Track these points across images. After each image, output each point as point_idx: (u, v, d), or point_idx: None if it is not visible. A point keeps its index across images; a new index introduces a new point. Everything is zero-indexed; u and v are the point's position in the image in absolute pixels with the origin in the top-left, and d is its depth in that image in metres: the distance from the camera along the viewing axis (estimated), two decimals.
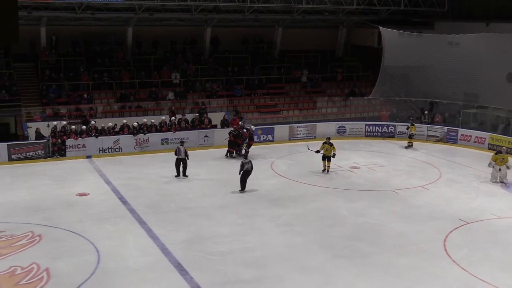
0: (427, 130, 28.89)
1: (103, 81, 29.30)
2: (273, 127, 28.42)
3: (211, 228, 16.26)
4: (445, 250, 14.89)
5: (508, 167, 21.26)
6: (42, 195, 19.22)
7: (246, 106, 30.89)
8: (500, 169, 21.24)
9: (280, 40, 34.35)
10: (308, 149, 22.76)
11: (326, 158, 22.35)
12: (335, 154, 22.36)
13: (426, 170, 23.31)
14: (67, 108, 27.01)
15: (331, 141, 22.64)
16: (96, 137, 24.78)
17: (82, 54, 30.20)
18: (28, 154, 23.67)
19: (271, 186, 20.65)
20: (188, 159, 21.69)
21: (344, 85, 34.24)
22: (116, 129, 25.54)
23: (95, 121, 25.67)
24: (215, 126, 27.49)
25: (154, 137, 25.58)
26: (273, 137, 28.08)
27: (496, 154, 21.74)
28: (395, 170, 23.28)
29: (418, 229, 16.38)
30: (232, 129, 25.51)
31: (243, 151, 24.96)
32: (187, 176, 21.59)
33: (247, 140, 25.14)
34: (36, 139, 24.25)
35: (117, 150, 25.11)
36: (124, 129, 25.52)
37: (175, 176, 21.57)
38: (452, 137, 28.10)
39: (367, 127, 29.65)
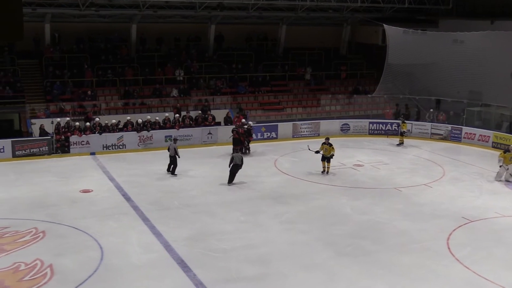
0: (431, 128, 28.84)
1: (107, 78, 29.34)
2: (277, 125, 28.41)
3: (215, 225, 16.28)
4: (448, 248, 14.86)
5: None
6: (46, 192, 19.27)
7: (250, 104, 30.88)
8: (508, 168, 21.14)
9: (284, 38, 34.31)
10: (309, 149, 22.62)
11: (326, 158, 21.83)
12: (333, 155, 21.84)
13: (429, 168, 23.27)
14: (71, 104, 27.09)
15: (330, 141, 22.21)
16: (100, 134, 24.82)
17: (86, 51, 30.23)
18: (32, 150, 23.72)
19: (274, 183, 20.65)
20: (179, 157, 21.50)
21: (348, 83, 34.20)
22: (120, 126, 25.58)
23: (99, 118, 25.70)
24: (218, 123, 27.50)
25: (158, 134, 25.62)
26: (276, 134, 28.07)
27: (504, 152, 21.61)
28: (399, 168, 23.25)
29: (422, 227, 16.36)
30: (235, 126, 25.54)
31: (246, 151, 25.01)
32: (175, 175, 21.40)
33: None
34: (40, 136, 24.31)
35: (120, 147, 25.15)
36: (128, 126, 25.55)
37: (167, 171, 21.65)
38: (456, 135, 28.04)
39: (370, 125, 29.63)
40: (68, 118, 25.38)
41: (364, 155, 25.14)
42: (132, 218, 16.81)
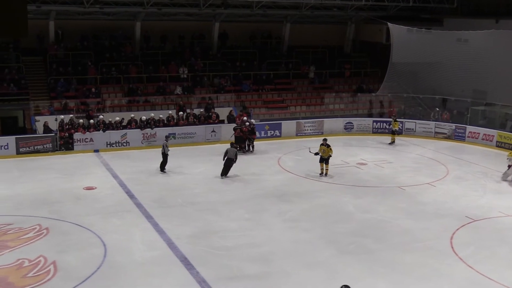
0: (435, 127, 28.79)
1: (111, 75, 29.39)
2: (281, 123, 28.40)
3: (217, 223, 16.29)
4: (452, 247, 14.84)
5: None
6: (50, 189, 19.32)
7: (254, 102, 30.88)
8: None
9: (288, 36, 34.30)
10: (310, 151, 22.51)
11: (324, 160, 21.40)
12: (330, 156, 21.40)
13: (433, 167, 23.23)
14: (75, 102, 27.14)
15: (328, 142, 21.76)
16: (104, 131, 24.87)
17: (90, 48, 30.29)
18: (36, 147, 23.79)
19: (278, 181, 20.65)
20: (167, 154, 21.46)
21: (352, 81, 34.17)
22: (124, 123, 25.62)
23: (103, 115, 25.75)
24: (222, 121, 27.51)
25: (162, 132, 25.62)
26: (280, 132, 28.07)
27: None
28: (402, 167, 23.22)
29: (425, 226, 16.34)
30: (237, 124, 25.56)
31: (250, 148, 25.02)
32: (164, 172, 21.42)
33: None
34: (44, 133, 24.37)
35: (124, 144, 25.20)
36: (132, 124, 25.59)
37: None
38: (460, 134, 27.99)
39: (374, 123, 29.59)
40: (72, 115, 25.45)
41: (368, 154, 25.11)
42: (135, 216, 16.84)
